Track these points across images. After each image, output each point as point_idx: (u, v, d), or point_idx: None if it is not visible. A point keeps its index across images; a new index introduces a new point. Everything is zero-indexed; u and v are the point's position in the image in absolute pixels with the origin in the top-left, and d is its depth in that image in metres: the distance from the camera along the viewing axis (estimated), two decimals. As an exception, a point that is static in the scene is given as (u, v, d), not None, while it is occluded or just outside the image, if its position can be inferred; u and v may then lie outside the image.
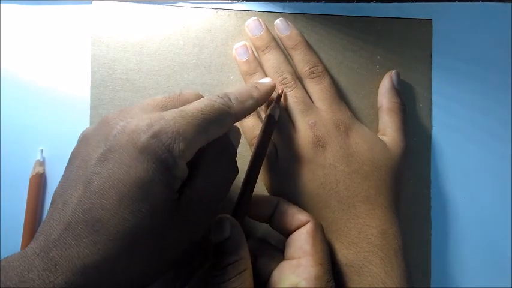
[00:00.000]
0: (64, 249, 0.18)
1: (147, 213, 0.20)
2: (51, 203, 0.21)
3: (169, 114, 0.21)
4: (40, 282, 0.17)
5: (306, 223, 0.26)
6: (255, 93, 0.27)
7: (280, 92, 0.31)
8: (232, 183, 0.25)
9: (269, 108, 0.30)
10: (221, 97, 0.24)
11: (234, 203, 0.27)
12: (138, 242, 0.19)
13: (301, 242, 0.25)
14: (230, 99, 0.25)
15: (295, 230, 0.26)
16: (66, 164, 0.22)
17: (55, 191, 0.21)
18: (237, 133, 0.28)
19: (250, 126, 0.32)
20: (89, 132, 0.23)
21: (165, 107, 0.23)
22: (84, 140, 0.22)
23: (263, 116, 0.33)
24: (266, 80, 0.31)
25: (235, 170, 0.26)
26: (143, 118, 0.21)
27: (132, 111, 0.22)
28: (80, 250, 0.18)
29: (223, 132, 0.24)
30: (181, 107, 0.23)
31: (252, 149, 0.28)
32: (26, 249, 0.19)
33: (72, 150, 0.23)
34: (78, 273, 0.18)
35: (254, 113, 0.33)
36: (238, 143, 0.28)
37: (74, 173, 0.21)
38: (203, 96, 0.26)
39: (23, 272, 0.17)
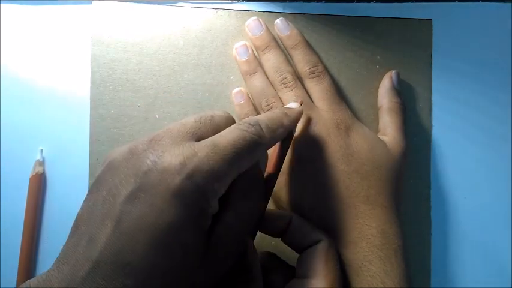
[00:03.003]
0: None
1: (178, 258, 0.19)
2: (75, 227, 0.20)
3: (203, 150, 0.21)
4: None
5: (318, 241, 0.25)
6: (286, 121, 0.26)
7: (299, 103, 0.29)
8: (262, 215, 0.25)
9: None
10: (252, 125, 0.23)
11: None
12: (168, 284, 0.19)
13: (313, 262, 0.25)
14: (262, 128, 0.23)
15: (307, 248, 0.26)
16: (90, 188, 0.21)
17: (79, 215, 0.21)
18: (265, 157, 0.27)
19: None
20: (116, 159, 0.21)
21: (196, 135, 0.22)
22: (111, 168, 0.21)
23: (260, 111, 0.33)
24: (294, 105, 0.29)
25: (264, 202, 0.25)
26: (176, 154, 0.20)
27: (162, 140, 0.21)
28: None
29: (254, 163, 0.23)
30: (213, 140, 0.21)
31: (269, 160, 0.27)
32: (50, 278, 0.18)
33: (97, 174, 0.22)
34: None
35: (254, 112, 0.33)
36: (266, 167, 0.27)
37: (100, 205, 0.20)
38: (233, 119, 0.24)
39: None
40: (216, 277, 0.22)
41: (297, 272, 0.25)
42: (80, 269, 0.18)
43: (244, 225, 0.23)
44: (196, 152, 0.20)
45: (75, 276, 0.18)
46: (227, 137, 0.22)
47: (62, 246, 0.20)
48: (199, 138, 0.22)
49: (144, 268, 0.19)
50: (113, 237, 0.19)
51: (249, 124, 0.23)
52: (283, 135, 0.26)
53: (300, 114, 0.28)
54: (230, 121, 0.24)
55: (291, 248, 0.27)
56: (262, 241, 0.32)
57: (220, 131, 0.22)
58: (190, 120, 0.23)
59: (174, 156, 0.20)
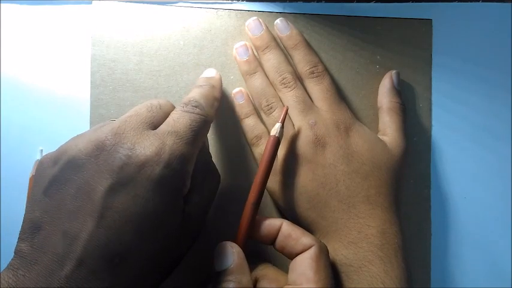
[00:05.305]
0: (81, 284, 0.18)
1: (163, 240, 0.21)
2: (35, 228, 0.20)
3: (169, 139, 0.22)
4: None
5: (310, 247, 0.25)
6: (216, 93, 0.28)
7: (285, 109, 0.30)
8: (216, 191, 0.27)
9: (276, 131, 0.28)
10: (196, 106, 0.25)
11: (237, 226, 0.26)
12: (154, 264, 0.21)
13: (304, 268, 0.24)
14: (204, 107, 0.25)
15: (299, 254, 0.25)
16: (37, 186, 0.21)
17: (35, 216, 0.20)
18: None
19: (251, 126, 0.32)
20: (78, 157, 0.21)
21: (152, 124, 0.23)
22: (73, 166, 0.21)
23: (262, 114, 0.33)
24: (212, 73, 0.30)
25: (219, 179, 0.28)
26: (146, 146, 0.21)
27: (126, 133, 0.22)
28: (99, 284, 0.19)
29: (206, 143, 0.26)
30: (173, 127, 0.23)
31: (257, 171, 0.28)
32: (20, 278, 0.18)
33: (50, 174, 0.21)
34: None
35: (254, 111, 0.33)
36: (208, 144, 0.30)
37: (68, 203, 0.20)
38: (171, 103, 0.26)
39: None
40: (187, 250, 0.24)
41: (289, 279, 0.25)
42: (61, 268, 0.18)
43: (206, 202, 0.26)
44: (163, 141, 0.22)
45: (56, 275, 0.18)
46: (182, 122, 0.23)
47: (15, 248, 0.20)
48: (154, 126, 0.23)
49: (133, 257, 0.20)
50: (97, 232, 0.19)
51: (193, 106, 0.25)
52: (217, 106, 0.28)
53: (220, 79, 0.30)
54: (172, 106, 0.26)
55: (283, 254, 0.27)
56: (255, 248, 0.31)
57: (167, 117, 0.24)
58: (142, 110, 0.24)
59: (146, 148, 0.21)
